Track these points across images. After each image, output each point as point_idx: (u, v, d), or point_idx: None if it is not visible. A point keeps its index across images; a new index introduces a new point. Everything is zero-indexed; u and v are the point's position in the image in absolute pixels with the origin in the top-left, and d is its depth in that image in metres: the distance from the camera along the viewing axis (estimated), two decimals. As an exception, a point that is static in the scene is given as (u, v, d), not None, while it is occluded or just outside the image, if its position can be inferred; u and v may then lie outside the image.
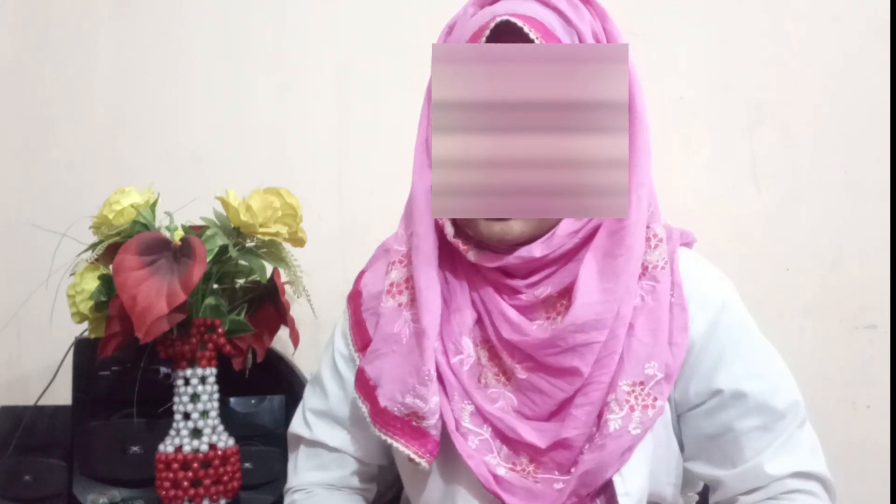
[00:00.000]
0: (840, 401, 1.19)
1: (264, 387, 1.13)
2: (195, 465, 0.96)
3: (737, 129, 1.24)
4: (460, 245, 0.82)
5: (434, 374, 0.81)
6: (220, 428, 1.00)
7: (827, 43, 1.22)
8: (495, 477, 0.80)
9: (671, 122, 1.25)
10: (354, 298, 0.93)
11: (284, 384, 1.16)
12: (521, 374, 0.80)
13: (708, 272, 0.86)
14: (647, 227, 0.82)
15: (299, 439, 0.95)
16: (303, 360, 1.22)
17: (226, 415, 1.03)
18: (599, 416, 0.79)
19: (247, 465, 1.05)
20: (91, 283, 0.99)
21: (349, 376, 0.91)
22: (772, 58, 1.24)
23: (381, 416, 0.83)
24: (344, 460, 0.93)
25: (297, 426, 0.95)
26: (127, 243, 0.95)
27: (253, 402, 1.12)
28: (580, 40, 0.79)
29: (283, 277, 1.05)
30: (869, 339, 1.19)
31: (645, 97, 0.81)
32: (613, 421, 0.77)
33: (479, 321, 0.84)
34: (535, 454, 0.80)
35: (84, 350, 1.11)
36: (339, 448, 0.92)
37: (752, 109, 1.24)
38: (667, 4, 1.26)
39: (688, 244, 0.89)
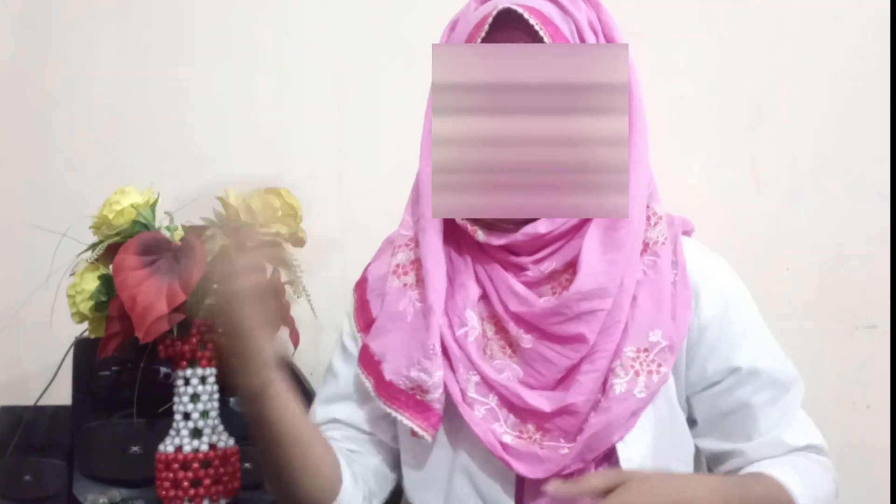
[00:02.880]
0: (840, 401, 1.19)
1: (264, 387, 1.13)
2: (195, 465, 0.96)
3: (737, 129, 1.24)
4: (468, 226, 0.85)
5: (438, 348, 0.83)
6: (220, 428, 1.00)
7: (827, 43, 1.22)
8: (502, 444, 0.82)
9: (671, 122, 1.24)
10: (360, 284, 0.95)
11: (284, 384, 1.16)
12: (527, 343, 0.83)
13: (716, 257, 0.91)
14: (647, 206, 0.85)
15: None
16: (303, 360, 1.22)
17: (226, 415, 1.03)
18: (604, 383, 0.81)
19: (247, 465, 1.05)
20: (91, 283, 0.99)
21: (356, 352, 0.92)
22: (772, 58, 1.24)
23: (385, 390, 0.85)
24: (354, 434, 0.93)
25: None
26: (127, 243, 0.95)
27: (253, 402, 1.12)
28: (577, 29, 0.82)
29: (283, 277, 1.05)
30: (869, 339, 1.19)
31: (640, 81, 0.84)
32: (619, 385, 0.80)
33: (483, 297, 0.87)
34: (540, 421, 0.82)
35: (84, 350, 1.11)
36: (343, 420, 0.93)
37: (752, 109, 1.24)
38: (667, 4, 1.26)
39: (687, 232, 0.93)
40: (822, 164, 1.21)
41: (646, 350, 0.81)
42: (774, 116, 1.23)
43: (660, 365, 0.81)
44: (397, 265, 0.89)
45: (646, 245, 0.85)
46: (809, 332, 1.20)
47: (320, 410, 0.94)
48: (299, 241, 1.08)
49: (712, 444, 0.87)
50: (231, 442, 1.00)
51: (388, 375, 0.85)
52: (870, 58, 1.21)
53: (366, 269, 0.96)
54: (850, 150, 1.21)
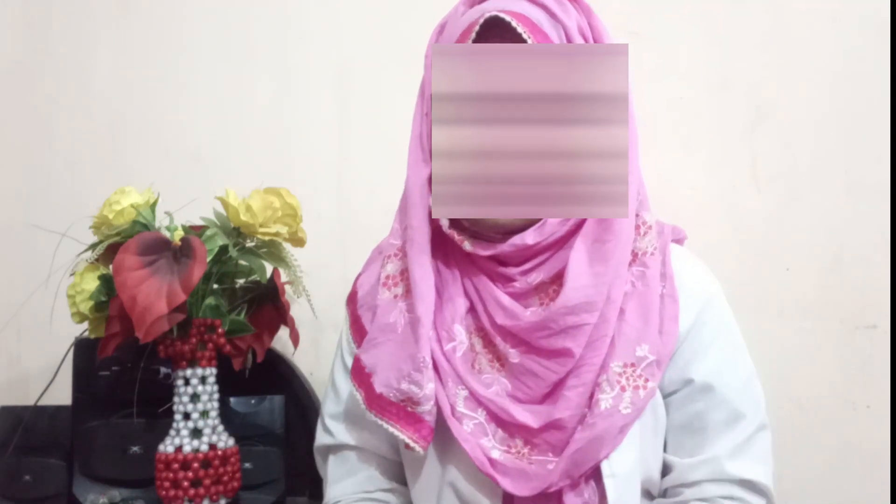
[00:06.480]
0: (840, 401, 1.19)
1: (264, 387, 1.13)
2: (195, 465, 0.96)
3: (737, 129, 1.24)
4: (455, 236, 0.84)
5: (429, 360, 0.82)
6: (220, 428, 1.00)
7: (827, 43, 1.22)
8: (490, 460, 0.81)
9: (671, 122, 1.24)
10: (352, 299, 0.94)
11: (284, 384, 1.16)
12: (515, 357, 0.82)
13: (697, 268, 0.89)
14: (637, 215, 0.84)
15: (327, 449, 0.95)
16: (303, 360, 1.22)
17: (226, 415, 1.03)
18: (591, 397, 0.80)
19: (247, 465, 1.05)
20: (91, 283, 0.99)
21: None
22: (772, 58, 1.23)
23: (377, 402, 0.84)
24: (368, 458, 0.93)
25: (320, 437, 0.96)
26: (127, 243, 0.95)
27: (253, 402, 1.13)
28: (566, 36, 0.81)
29: (283, 277, 1.05)
30: (869, 339, 1.19)
31: (631, 88, 0.82)
32: (604, 401, 0.79)
33: (471, 310, 0.86)
34: (528, 436, 0.81)
35: (84, 350, 1.11)
36: (361, 446, 0.92)
37: (752, 109, 1.24)
38: (667, 4, 1.26)
39: (679, 240, 0.92)
40: (822, 164, 1.21)
41: (633, 365, 0.80)
42: (774, 116, 1.23)
43: (647, 380, 0.80)
44: (387, 276, 0.88)
45: (634, 255, 0.84)
46: (809, 332, 1.20)
47: (332, 426, 0.94)
48: (299, 241, 1.08)
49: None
50: (231, 442, 1.00)
51: (378, 388, 0.84)
52: (870, 58, 1.21)
53: (355, 282, 0.95)
54: (850, 150, 1.21)
